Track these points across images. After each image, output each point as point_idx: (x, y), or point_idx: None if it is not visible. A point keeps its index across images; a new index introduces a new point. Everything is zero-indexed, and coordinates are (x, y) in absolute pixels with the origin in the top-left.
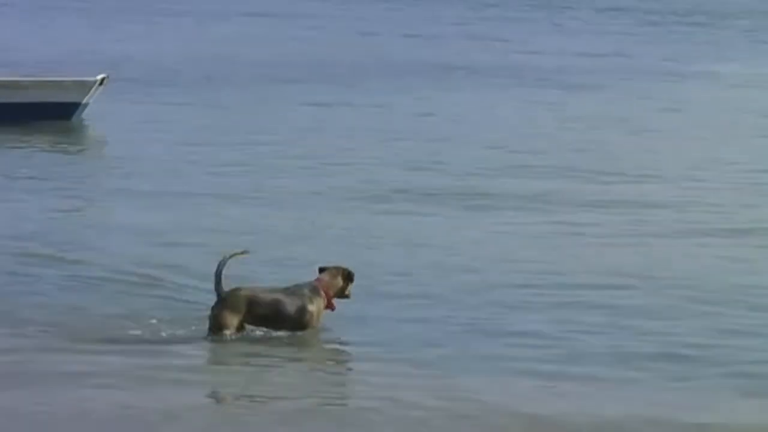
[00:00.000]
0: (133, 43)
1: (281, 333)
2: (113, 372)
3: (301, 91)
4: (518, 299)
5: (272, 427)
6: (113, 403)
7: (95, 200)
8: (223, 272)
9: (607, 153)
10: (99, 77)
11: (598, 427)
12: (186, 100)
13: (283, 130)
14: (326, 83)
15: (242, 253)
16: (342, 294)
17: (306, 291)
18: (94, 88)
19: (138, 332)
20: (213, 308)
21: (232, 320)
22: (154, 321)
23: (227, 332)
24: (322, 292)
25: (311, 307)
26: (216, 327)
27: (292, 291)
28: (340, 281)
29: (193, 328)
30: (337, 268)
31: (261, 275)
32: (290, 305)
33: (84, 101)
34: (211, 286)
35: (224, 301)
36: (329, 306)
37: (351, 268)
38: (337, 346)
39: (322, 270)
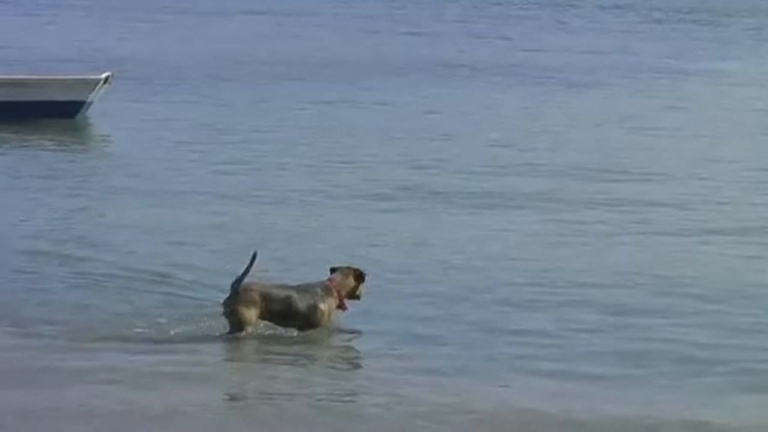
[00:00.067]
0: (137, 41)
1: (289, 332)
2: (120, 370)
3: (304, 89)
4: (523, 298)
5: (280, 426)
6: (121, 401)
7: (100, 198)
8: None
9: (611, 151)
10: (104, 75)
11: (602, 426)
12: (190, 98)
13: (287, 128)
14: (330, 81)
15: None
16: (353, 294)
17: (318, 290)
18: (98, 87)
19: (145, 330)
20: (227, 303)
21: (252, 315)
22: (161, 320)
23: (249, 328)
24: (335, 292)
25: (323, 306)
26: (237, 324)
27: (304, 289)
28: (351, 281)
29: (201, 325)
30: (348, 268)
31: (265, 274)
32: (302, 303)
33: (89, 99)
34: (217, 282)
35: (238, 295)
36: (341, 306)
37: (363, 269)
38: (342, 344)
39: (333, 270)
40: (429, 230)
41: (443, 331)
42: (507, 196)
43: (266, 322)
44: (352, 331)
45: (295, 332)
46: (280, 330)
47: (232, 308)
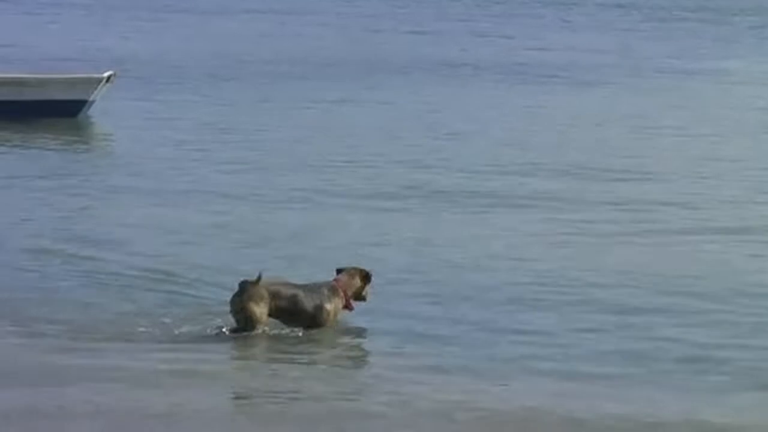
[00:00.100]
0: (139, 40)
1: (294, 331)
2: (124, 369)
3: (307, 88)
4: (526, 297)
5: (284, 427)
6: (125, 400)
7: (102, 197)
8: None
9: (614, 150)
10: (106, 74)
11: (604, 425)
12: (192, 97)
13: (290, 128)
14: (333, 80)
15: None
16: (359, 295)
17: (325, 290)
18: (101, 85)
19: (149, 329)
20: (235, 300)
21: (262, 312)
22: (165, 319)
23: (261, 326)
24: (341, 292)
25: (329, 306)
26: (247, 321)
27: (311, 288)
28: (358, 281)
29: (205, 324)
30: (354, 269)
31: (270, 273)
32: (309, 301)
33: (91, 98)
34: (221, 280)
35: (246, 292)
36: (347, 306)
37: (369, 269)
38: (346, 343)
39: (339, 271)
40: (432, 229)
41: (446, 330)
42: (510, 196)
43: (272, 320)
44: (355, 330)
45: (299, 331)
46: (284, 329)
47: (242, 305)
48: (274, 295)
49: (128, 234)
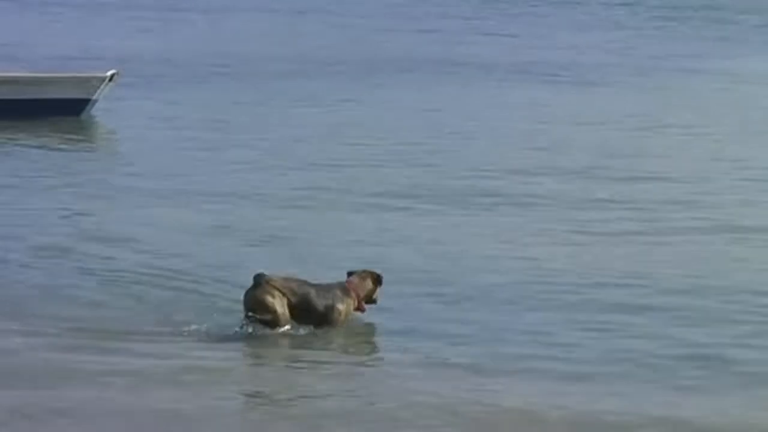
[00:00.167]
0: (142, 39)
1: (303, 332)
2: (134, 369)
3: (311, 87)
4: (530, 297)
5: (291, 423)
6: (133, 399)
7: (106, 195)
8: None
9: (619, 150)
10: (109, 73)
11: (605, 424)
12: (195, 97)
13: (294, 127)
14: (337, 79)
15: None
16: (370, 298)
17: (337, 291)
18: (103, 85)
19: (158, 329)
20: (249, 294)
21: (278, 304)
22: (173, 317)
23: (283, 321)
24: (353, 293)
25: (340, 306)
26: (265, 313)
27: (324, 287)
28: (369, 284)
29: (212, 324)
30: (366, 271)
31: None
32: (320, 301)
33: (94, 97)
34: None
35: (261, 287)
36: (359, 308)
37: (380, 272)
38: (354, 342)
39: (350, 274)
40: (436, 229)
41: (453, 331)
42: (514, 195)
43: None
44: (361, 328)
45: (304, 330)
46: (292, 328)
47: (258, 298)
48: (287, 291)
49: (132, 232)
